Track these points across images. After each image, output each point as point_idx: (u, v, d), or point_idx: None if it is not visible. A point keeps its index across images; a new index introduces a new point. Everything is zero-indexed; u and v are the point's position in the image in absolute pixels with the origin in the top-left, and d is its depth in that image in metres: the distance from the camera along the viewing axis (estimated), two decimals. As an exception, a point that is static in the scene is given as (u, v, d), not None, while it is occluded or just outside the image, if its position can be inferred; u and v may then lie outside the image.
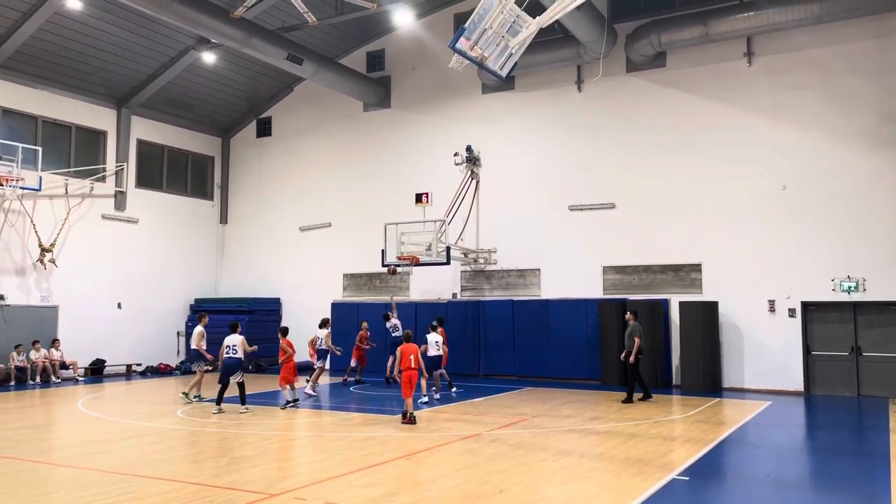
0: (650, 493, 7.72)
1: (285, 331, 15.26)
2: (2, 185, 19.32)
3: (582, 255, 20.46)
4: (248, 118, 26.84)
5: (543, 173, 21.27)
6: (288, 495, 7.56)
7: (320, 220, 24.92)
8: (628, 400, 15.29)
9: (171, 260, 24.89)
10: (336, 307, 23.74)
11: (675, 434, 11.88)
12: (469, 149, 21.17)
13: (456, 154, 21.07)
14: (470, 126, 22.20)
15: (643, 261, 19.76)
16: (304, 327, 24.40)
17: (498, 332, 21.25)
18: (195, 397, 15.39)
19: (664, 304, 19.09)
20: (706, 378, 17.82)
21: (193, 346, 15.41)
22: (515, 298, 21.30)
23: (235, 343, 13.86)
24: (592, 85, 20.55)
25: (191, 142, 26.06)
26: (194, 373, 15.68)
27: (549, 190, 21.09)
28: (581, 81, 20.95)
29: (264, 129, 26.72)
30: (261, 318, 24.45)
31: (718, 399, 16.28)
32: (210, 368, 15.67)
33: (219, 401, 13.64)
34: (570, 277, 20.56)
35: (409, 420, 12.13)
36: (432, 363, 15.67)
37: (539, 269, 21.22)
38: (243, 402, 13.83)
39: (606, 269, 20.27)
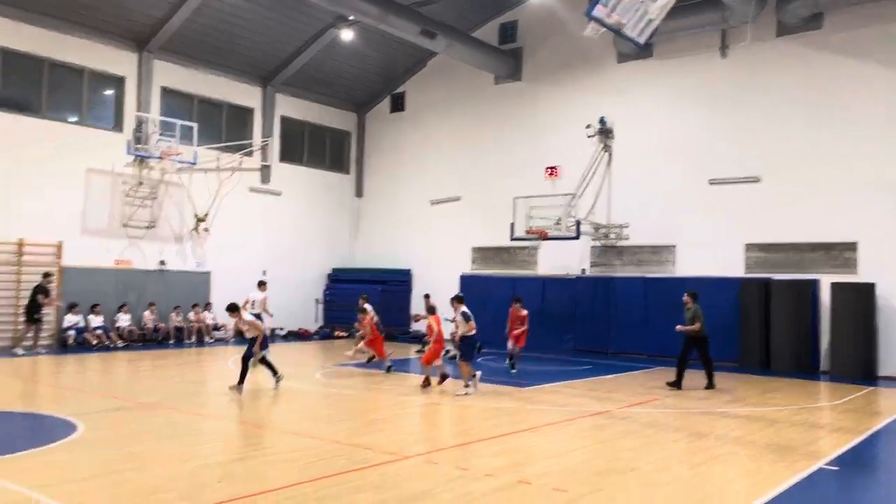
0: (794, 481, 7.30)
1: (433, 309, 13.74)
2: (162, 160, 21.01)
3: (722, 232, 19.45)
4: (382, 94, 27.51)
5: (682, 145, 20.34)
6: (420, 458, 7.81)
7: (450, 193, 25.23)
8: (676, 383, 13.71)
9: (310, 231, 26.15)
10: (465, 280, 24.04)
11: (822, 422, 11.14)
12: (602, 120, 20.59)
13: (588, 126, 20.58)
14: (603, 97, 21.58)
15: (790, 238, 18.51)
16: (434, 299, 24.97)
17: (629, 309, 20.71)
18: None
19: (813, 284, 17.83)
20: (859, 365, 16.53)
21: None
22: (648, 276, 20.63)
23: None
24: (738, 51, 19.33)
25: (329, 117, 27.11)
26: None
27: (688, 162, 20.15)
28: (725, 47, 19.76)
29: (398, 104, 27.29)
30: (393, 288, 25.25)
31: (873, 388, 15.06)
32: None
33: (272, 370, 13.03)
34: (709, 255, 19.63)
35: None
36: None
37: (674, 246, 20.41)
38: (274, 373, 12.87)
39: (749, 247, 19.17)
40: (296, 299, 25.10)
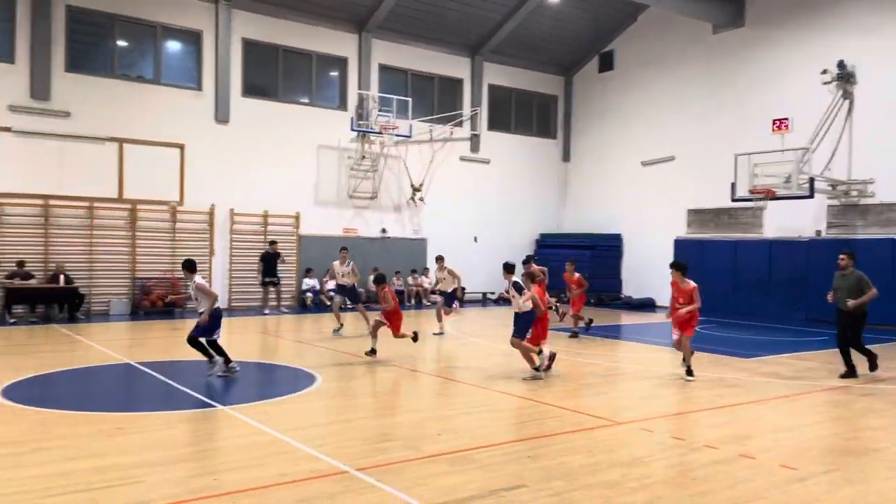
0: None
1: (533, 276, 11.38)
2: (381, 134, 22.37)
3: None
4: (590, 54, 26.81)
5: (943, 86, 17.53)
6: (633, 425, 7.68)
7: (663, 153, 24.07)
8: (850, 374, 10.72)
9: (518, 197, 26.43)
10: (680, 244, 22.93)
11: None
12: (841, 64, 18.37)
13: (824, 72, 18.47)
14: (843, 38, 19.16)
15: None
16: (645, 265, 24.19)
17: (873, 275, 18.33)
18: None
19: None
20: None
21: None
22: (898, 237, 18.21)
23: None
24: None
25: (536, 82, 27.03)
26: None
27: (951, 106, 17.34)
28: None
29: (606, 64, 26.44)
30: (602, 253, 24.82)
31: None
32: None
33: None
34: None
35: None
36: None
37: (932, 203, 17.79)
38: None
39: None
40: (506, 264, 25.60)
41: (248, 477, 5.72)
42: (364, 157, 22.75)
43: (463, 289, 17.27)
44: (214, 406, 8.20)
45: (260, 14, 20.88)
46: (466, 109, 25.13)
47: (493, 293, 25.10)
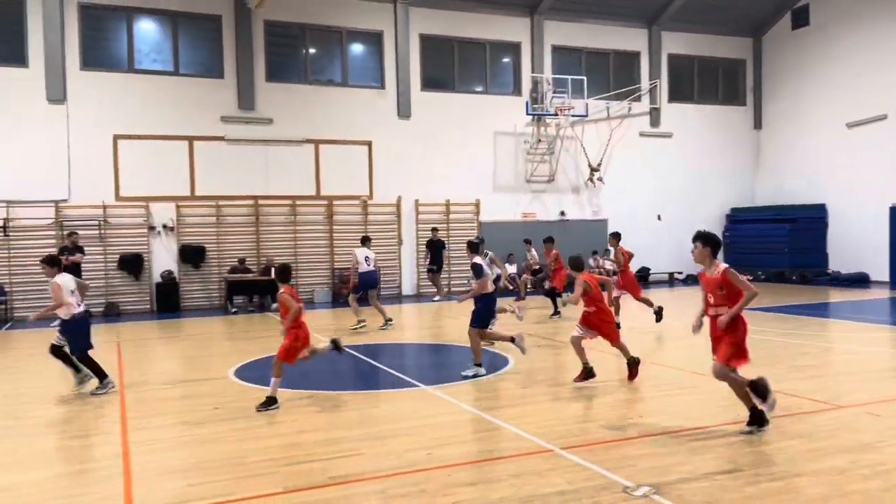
0: None
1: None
2: (557, 115, 22.19)
3: None
4: (781, 10, 24.70)
5: None
6: (858, 409, 7.07)
7: (872, 113, 21.65)
8: None
9: (704, 170, 25.04)
10: (897, 212, 20.58)
11: None
12: None
13: None
14: None
15: None
16: (855, 237, 22.01)
17: None
18: None
19: None
20: None
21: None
22: None
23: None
24: None
25: (720, 47, 25.40)
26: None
27: None
28: None
29: (801, 20, 24.22)
30: (803, 226, 22.91)
31: None
32: None
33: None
34: None
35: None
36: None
37: None
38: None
39: None
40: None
41: (458, 452, 5.99)
42: (540, 140, 22.70)
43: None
44: (418, 386, 8.65)
45: (435, 9, 21.49)
46: (645, 83, 24.20)
47: (680, 273, 24.10)
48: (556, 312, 15.19)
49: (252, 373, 9.74)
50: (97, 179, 18.01)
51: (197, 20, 19.38)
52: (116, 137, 18.26)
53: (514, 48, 22.79)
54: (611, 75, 24.03)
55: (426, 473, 5.45)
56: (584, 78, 22.54)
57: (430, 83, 21.79)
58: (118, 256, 18.11)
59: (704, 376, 8.76)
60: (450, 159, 21.60)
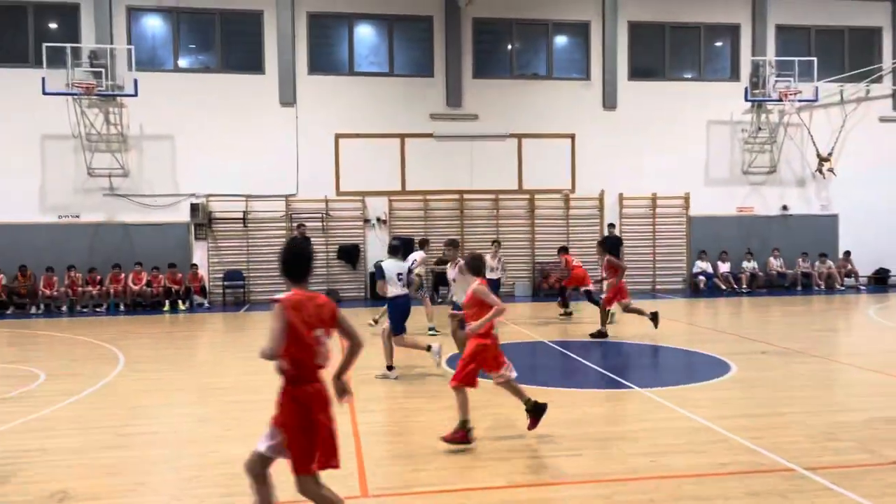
0: None
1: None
2: (781, 101, 20.35)
3: None
4: None
5: None
6: None
7: None
8: None
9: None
10: None
11: None
12: None
13: None
14: None
15: None
16: None
17: None
18: None
19: None
20: None
21: None
22: None
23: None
24: None
25: None
26: None
27: None
28: None
29: None
30: None
31: None
32: None
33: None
34: None
35: None
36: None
37: None
38: None
39: None
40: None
41: (686, 462, 5.64)
42: (760, 128, 20.97)
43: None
44: (631, 387, 8.32)
45: (645, -6, 20.68)
46: (887, 61, 21.44)
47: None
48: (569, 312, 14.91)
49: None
50: (321, 175, 19.51)
51: (411, 22, 20.26)
52: (338, 136, 19.65)
53: (732, 30, 21.24)
54: (846, 55, 21.57)
55: (654, 482, 5.19)
56: (815, 59, 20.44)
57: (638, 72, 20.98)
58: (337, 247, 19.50)
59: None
60: (658, 151, 20.65)
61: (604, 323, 12.19)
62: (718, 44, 21.66)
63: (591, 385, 8.76)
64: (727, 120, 21.00)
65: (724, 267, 20.43)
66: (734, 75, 21.19)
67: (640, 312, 12.09)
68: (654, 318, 11.95)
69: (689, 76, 21.43)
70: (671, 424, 6.74)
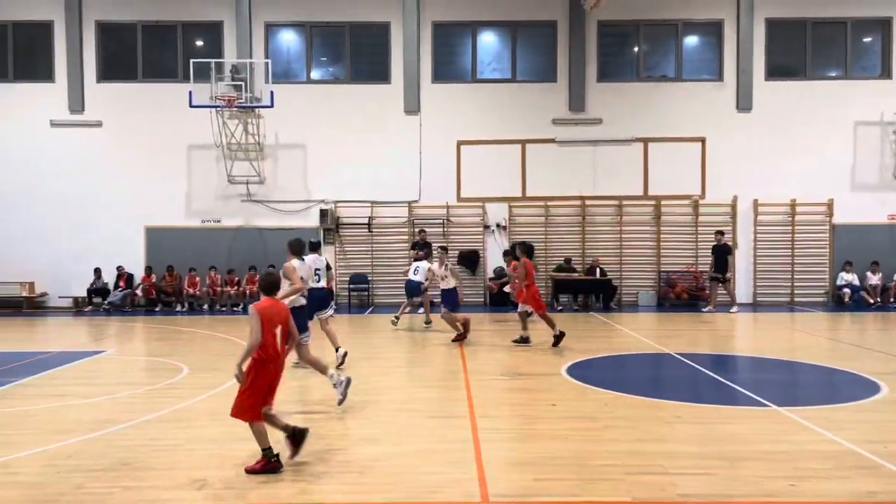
0: None
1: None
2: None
3: None
4: None
5: None
6: None
7: None
8: None
9: None
10: None
11: None
12: None
13: None
14: None
15: None
16: None
17: None
18: None
19: None
20: None
21: None
22: None
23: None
24: None
25: None
26: None
27: None
28: None
29: None
30: None
31: None
32: None
33: None
34: None
35: None
36: None
37: None
38: None
39: None
40: None
41: (829, 489, 5.22)
42: (916, 129, 19.24)
43: None
44: (767, 405, 7.81)
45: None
46: None
47: None
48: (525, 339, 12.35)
49: (585, 372, 9.75)
50: (442, 182, 19.79)
51: (534, 27, 20.16)
52: (459, 143, 19.86)
53: (882, 24, 19.63)
54: None
55: (794, 508, 4.84)
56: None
57: (775, 71, 19.81)
58: (457, 252, 19.69)
59: None
60: (797, 154, 19.41)
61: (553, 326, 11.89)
62: (867, 39, 20.06)
63: (722, 401, 8.30)
64: (877, 121, 19.40)
65: (874, 278, 18.85)
66: (885, 73, 19.57)
67: (523, 328, 12.20)
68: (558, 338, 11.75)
69: (834, 74, 19.99)
70: (813, 447, 6.26)
